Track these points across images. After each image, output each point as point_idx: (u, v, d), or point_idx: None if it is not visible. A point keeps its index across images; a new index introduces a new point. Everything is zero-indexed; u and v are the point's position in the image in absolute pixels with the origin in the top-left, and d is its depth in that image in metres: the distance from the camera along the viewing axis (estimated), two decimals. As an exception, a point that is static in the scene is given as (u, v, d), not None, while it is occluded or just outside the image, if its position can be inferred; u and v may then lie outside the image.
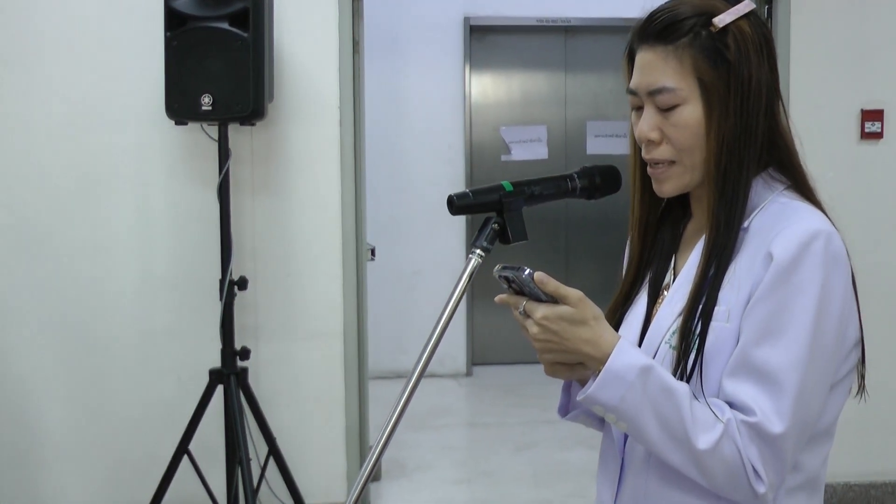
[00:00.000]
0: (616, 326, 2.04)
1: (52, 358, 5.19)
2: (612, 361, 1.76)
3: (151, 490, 4.74)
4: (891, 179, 5.63)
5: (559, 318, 1.77)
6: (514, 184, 1.91)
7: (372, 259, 5.80)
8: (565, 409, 2.11)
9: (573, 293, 1.78)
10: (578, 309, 1.78)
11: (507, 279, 1.83)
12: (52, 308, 5.18)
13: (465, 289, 1.80)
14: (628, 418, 1.77)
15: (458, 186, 8.29)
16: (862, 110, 5.55)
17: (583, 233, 9.31)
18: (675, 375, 1.81)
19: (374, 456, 1.77)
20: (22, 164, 5.12)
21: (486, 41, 9.11)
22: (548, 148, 9.13)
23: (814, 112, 5.47)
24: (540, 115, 9.22)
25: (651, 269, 2.05)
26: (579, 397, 1.82)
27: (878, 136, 5.56)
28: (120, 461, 5.24)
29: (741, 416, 1.74)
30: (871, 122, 5.53)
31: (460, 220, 8.70)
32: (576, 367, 1.90)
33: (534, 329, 1.80)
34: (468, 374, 9.10)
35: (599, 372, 1.78)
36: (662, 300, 1.98)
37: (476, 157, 9.10)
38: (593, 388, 1.78)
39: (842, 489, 5.64)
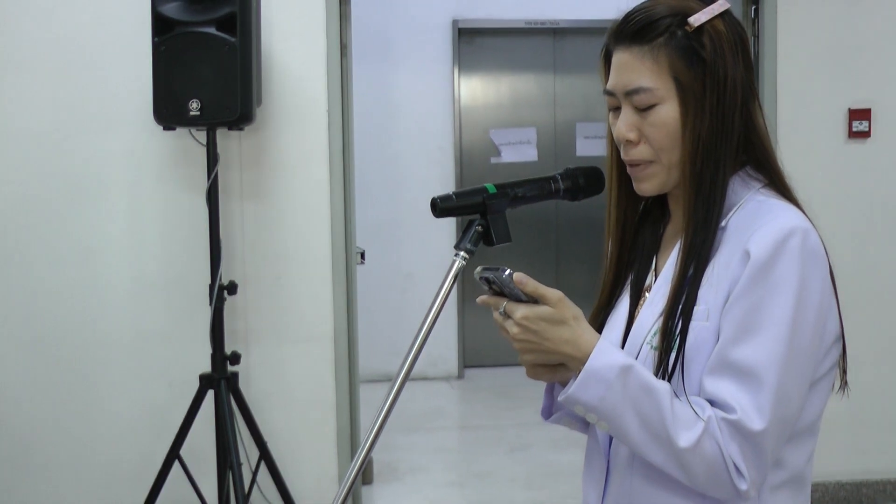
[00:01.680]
0: (599, 329, 2.04)
1: (42, 363, 5.18)
2: (592, 361, 1.77)
3: (143, 496, 4.73)
4: (878, 178, 5.64)
5: (539, 318, 1.78)
6: (497, 186, 1.92)
7: (362, 263, 5.80)
8: (548, 412, 2.11)
9: (552, 293, 1.79)
10: (558, 309, 1.78)
11: (487, 280, 1.83)
12: (42, 313, 5.16)
13: (449, 291, 1.81)
14: (609, 418, 1.78)
15: (448, 189, 8.25)
16: (849, 109, 5.56)
17: (573, 234, 9.32)
18: (657, 376, 1.82)
19: (361, 455, 1.78)
20: (10, 169, 5.11)
21: (474, 43, 9.12)
22: (537, 150, 9.15)
23: (801, 111, 5.49)
24: (529, 117, 9.24)
25: (632, 270, 2.05)
26: (560, 397, 1.82)
27: (865, 135, 5.57)
28: (110, 467, 5.23)
29: (721, 414, 1.74)
30: (858, 122, 5.55)
31: (451, 223, 8.71)
32: (557, 369, 1.90)
33: (514, 329, 1.81)
34: (460, 376, 9.12)
35: (580, 372, 1.78)
36: (644, 301, 1.99)
37: (466, 159, 9.11)
38: (573, 388, 1.78)
39: (833, 487, 5.65)
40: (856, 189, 5.60)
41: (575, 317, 1.80)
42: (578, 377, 1.78)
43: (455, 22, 8.96)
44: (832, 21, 5.56)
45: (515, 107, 9.26)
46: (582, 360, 1.78)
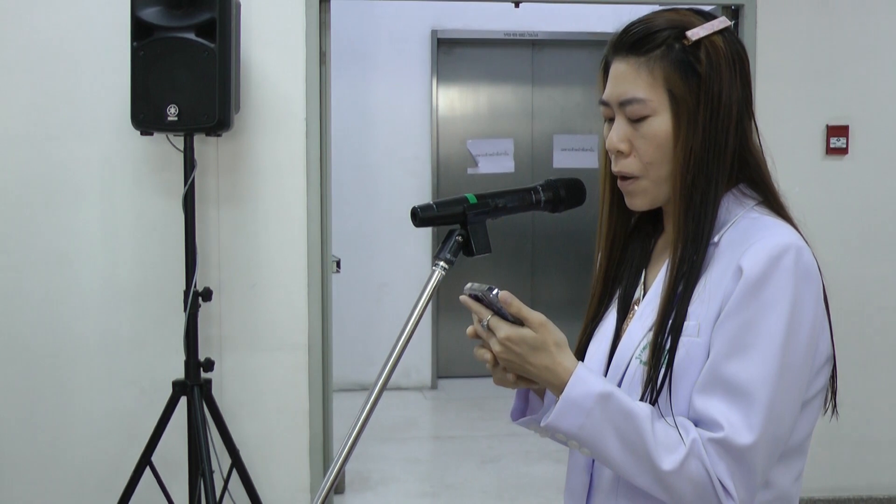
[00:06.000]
0: (586, 342, 2.04)
1: (14, 368, 5.14)
2: (569, 390, 1.76)
3: (113, 502, 4.70)
4: (855, 195, 5.67)
5: (522, 340, 1.77)
6: (478, 196, 1.91)
7: (337, 271, 5.79)
8: (519, 413, 2.09)
9: (535, 317, 1.78)
10: (539, 333, 1.77)
11: (476, 298, 1.83)
12: (15, 317, 5.13)
13: (428, 301, 1.80)
14: (590, 445, 1.77)
15: (425, 199, 8.25)
16: (827, 126, 5.59)
17: (549, 245, 9.31)
18: (645, 390, 1.81)
19: (336, 467, 1.76)
20: (-15, 173, 5.09)
21: (453, 54, 9.11)
22: (514, 161, 9.13)
23: (779, 127, 5.50)
24: (507, 129, 9.23)
25: (620, 283, 2.03)
26: (542, 423, 1.81)
27: (843, 151, 5.60)
28: (81, 472, 5.20)
29: (707, 434, 1.72)
30: (836, 138, 5.58)
31: (427, 232, 8.70)
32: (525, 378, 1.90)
33: (497, 347, 1.80)
34: (433, 386, 9.10)
35: (558, 400, 1.78)
36: (633, 315, 1.97)
37: (443, 169, 9.10)
38: (552, 418, 1.77)
39: None
40: (834, 205, 5.62)
41: (556, 343, 1.79)
42: (556, 406, 1.77)
43: (434, 32, 8.95)
44: (811, 38, 5.59)
45: (493, 118, 9.26)
46: (560, 389, 1.77)
